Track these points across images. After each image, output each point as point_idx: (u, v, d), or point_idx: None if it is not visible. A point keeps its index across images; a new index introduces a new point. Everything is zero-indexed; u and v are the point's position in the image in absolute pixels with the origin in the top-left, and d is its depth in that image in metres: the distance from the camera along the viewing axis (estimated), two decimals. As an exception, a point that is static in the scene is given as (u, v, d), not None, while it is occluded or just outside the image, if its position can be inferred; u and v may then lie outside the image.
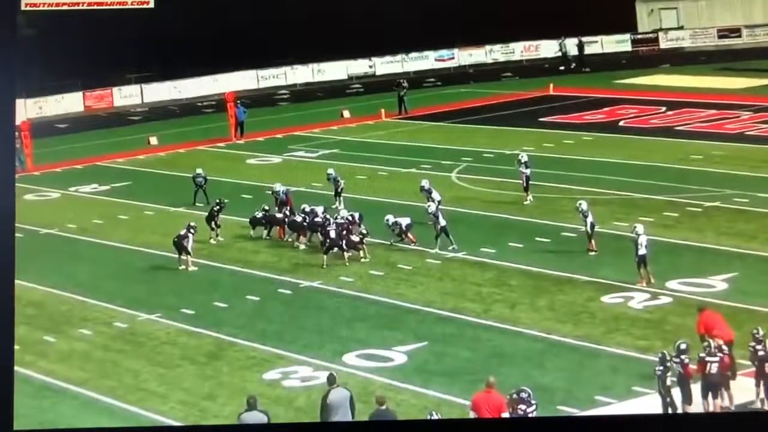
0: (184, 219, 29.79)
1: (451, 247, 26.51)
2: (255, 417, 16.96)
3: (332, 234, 26.49)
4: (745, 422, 17.27)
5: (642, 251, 23.82)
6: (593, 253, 25.93)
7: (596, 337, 21.33)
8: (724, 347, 18.28)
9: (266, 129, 43.41)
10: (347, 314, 23.50)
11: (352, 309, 23.79)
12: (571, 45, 54.79)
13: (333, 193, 30.66)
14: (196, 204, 31.98)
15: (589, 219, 26.22)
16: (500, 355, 20.91)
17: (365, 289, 24.79)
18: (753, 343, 18.48)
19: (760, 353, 18.34)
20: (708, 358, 18.03)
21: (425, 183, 29.21)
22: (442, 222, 26.76)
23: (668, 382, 17.87)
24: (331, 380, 17.56)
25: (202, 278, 26.56)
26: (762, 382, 18.27)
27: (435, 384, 19.74)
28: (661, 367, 17.88)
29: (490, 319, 22.65)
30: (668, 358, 17.96)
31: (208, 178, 32.62)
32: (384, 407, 16.93)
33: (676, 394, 17.96)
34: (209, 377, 20.90)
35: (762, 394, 18.27)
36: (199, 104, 50.76)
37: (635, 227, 24.26)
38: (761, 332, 18.55)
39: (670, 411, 17.85)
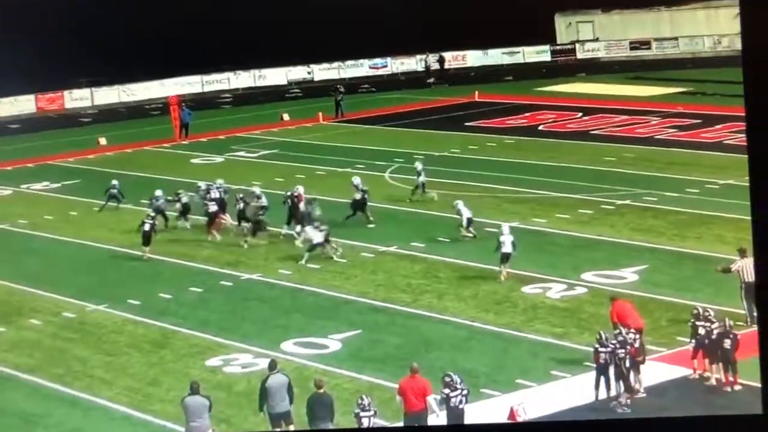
0: (130, 215, 29.43)
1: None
2: (197, 401, 16.72)
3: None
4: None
5: (506, 249, 23.72)
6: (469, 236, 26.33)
7: (517, 325, 21.39)
8: (633, 335, 18.38)
9: (209, 130, 43.06)
10: (285, 305, 23.33)
11: (291, 300, 23.63)
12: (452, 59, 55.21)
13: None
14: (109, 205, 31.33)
15: (465, 215, 26.55)
16: (428, 341, 20.86)
17: (303, 281, 24.61)
18: (701, 322, 18.63)
19: (705, 330, 18.54)
20: (618, 342, 18.10)
21: (357, 180, 29.04)
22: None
23: (603, 361, 17.93)
24: (272, 366, 17.37)
25: (147, 271, 26.20)
26: (708, 358, 18.55)
27: (368, 369, 19.65)
28: (605, 348, 17.92)
29: (419, 308, 22.62)
30: (608, 338, 18.03)
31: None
32: (322, 391, 16.81)
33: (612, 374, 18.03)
34: (154, 364, 20.60)
35: (713, 370, 18.50)
36: (147, 107, 50.19)
37: (501, 226, 24.34)
38: (711, 312, 18.78)
39: (604, 389, 17.91)
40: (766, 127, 16.25)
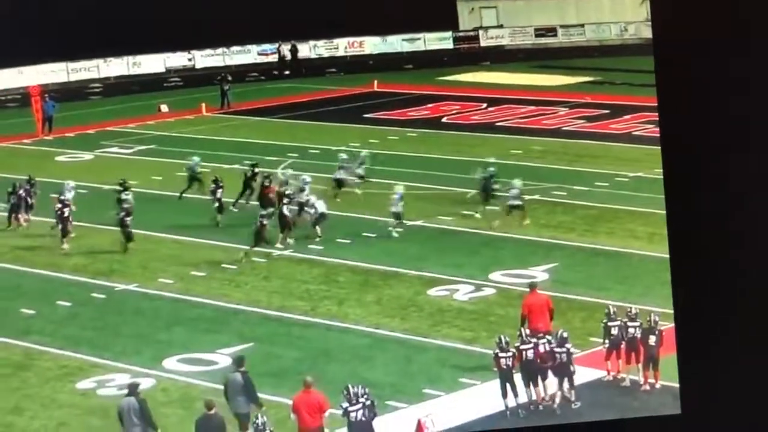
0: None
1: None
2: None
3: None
4: None
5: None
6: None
7: (423, 330, 21.43)
8: (542, 336, 18.58)
9: (77, 124, 41.68)
10: (167, 318, 22.88)
11: (173, 312, 23.18)
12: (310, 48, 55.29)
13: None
14: None
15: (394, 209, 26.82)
16: (328, 352, 20.75)
17: (186, 291, 24.18)
18: (613, 322, 18.95)
19: (620, 329, 18.88)
20: (522, 346, 18.34)
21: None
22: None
23: (509, 366, 18.10)
24: (237, 363, 17.40)
25: (4, 283, 25.25)
26: (625, 358, 18.87)
27: (263, 385, 19.21)
28: (505, 353, 18.08)
29: (317, 316, 22.47)
30: (509, 342, 18.18)
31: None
32: (212, 412, 16.55)
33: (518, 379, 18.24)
34: (16, 389, 19.82)
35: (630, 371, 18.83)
36: (2, 98, 48.44)
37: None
38: (633, 310, 19.10)
39: (512, 397, 18.06)
40: (677, 118, 16.62)
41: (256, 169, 29.87)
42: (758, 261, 16.92)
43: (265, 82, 50.43)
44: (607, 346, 19.18)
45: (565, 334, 18.53)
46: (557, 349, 18.36)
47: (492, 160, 29.72)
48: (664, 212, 27.63)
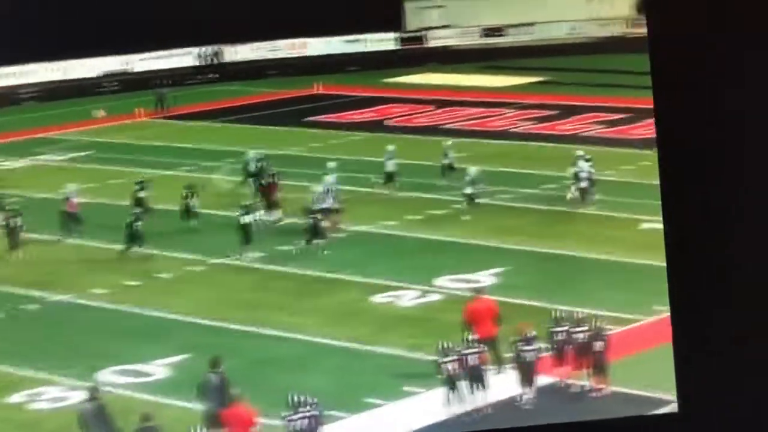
0: None
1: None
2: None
3: None
4: None
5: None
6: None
7: (365, 338, 21.43)
8: (485, 341, 18.71)
9: (8, 131, 41.26)
10: (101, 329, 22.76)
11: (107, 323, 23.06)
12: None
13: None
14: None
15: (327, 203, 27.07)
16: (267, 361, 20.67)
17: (121, 301, 24.04)
18: (560, 327, 19.13)
19: (567, 334, 19.04)
20: (465, 351, 18.43)
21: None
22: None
23: (452, 372, 18.17)
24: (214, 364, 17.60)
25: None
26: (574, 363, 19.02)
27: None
28: (447, 358, 18.13)
29: (256, 325, 22.40)
30: (451, 348, 18.27)
31: None
32: (150, 423, 16.48)
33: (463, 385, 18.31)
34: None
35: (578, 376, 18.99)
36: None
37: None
38: (580, 315, 19.38)
39: (456, 404, 18.13)
40: (673, 120, 16.83)
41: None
42: (755, 257, 17.17)
43: (204, 86, 50.23)
44: (554, 351, 19.25)
45: (531, 334, 18.65)
46: (526, 347, 18.51)
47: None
48: (612, 214, 28.19)
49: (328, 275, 24.66)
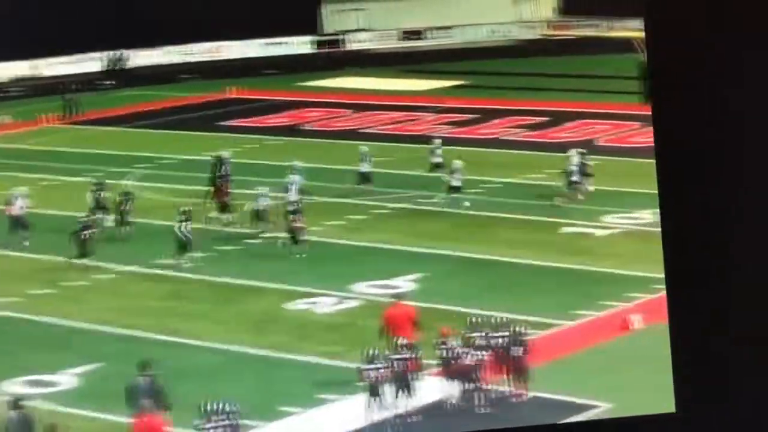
0: None
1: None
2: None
3: None
4: None
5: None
6: None
7: (282, 346, 21.49)
8: (409, 347, 18.85)
9: None
10: (4, 338, 22.50)
11: (10, 332, 22.85)
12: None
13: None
14: None
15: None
16: (181, 370, 20.60)
17: (26, 309, 23.83)
18: (477, 332, 19.38)
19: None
20: (393, 356, 18.67)
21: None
22: None
23: (376, 378, 18.38)
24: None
25: None
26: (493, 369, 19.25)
27: (111, 407, 19.19)
28: (372, 366, 18.28)
29: (168, 334, 22.38)
30: (377, 355, 18.43)
31: None
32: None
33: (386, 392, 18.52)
34: None
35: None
36: None
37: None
38: (500, 320, 19.67)
39: (377, 411, 18.29)
40: (671, 120, 17.16)
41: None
42: (754, 257, 17.53)
43: (114, 91, 49.82)
44: (471, 358, 19.45)
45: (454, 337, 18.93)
46: (450, 350, 18.85)
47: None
48: (537, 218, 28.54)
49: (245, 282, 24.65)
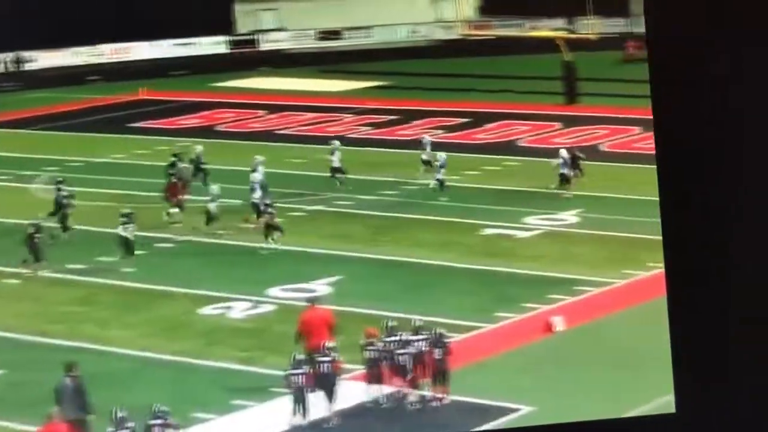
0: None
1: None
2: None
3: None
4: None
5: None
6: None
7: (195, 351, 21.50)
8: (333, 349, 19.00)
9: None
10: None
11: None
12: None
13: None
14: None
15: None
16: (91, 377, 20.37)
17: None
18: (392, 337, 19.54)
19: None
20: (319, 359, 18.83)
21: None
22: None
23: (300, 383, 18.52)
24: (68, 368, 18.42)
25: None
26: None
27: (14, 416, 19.06)
28: (298, 370, 18.46)
29: (78, 340, 22.24)
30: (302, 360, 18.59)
31: None
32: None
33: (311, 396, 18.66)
34: None
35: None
36: None
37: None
38: (418, 323, 19.80)
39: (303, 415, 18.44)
40: (671, 120, 17.37)
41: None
42: (754, 257, 17.78)
43: (20, 92, 49.25)
44: (389, 362, 19.58)
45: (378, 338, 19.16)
46: (375, 351, 19.14)
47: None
48: (458, 220, 28.77)
49: (157, 287, 24.56)
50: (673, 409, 17.98)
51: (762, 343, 17.99)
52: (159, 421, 17.46)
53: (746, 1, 18.25)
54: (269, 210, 27.80)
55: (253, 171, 29.70)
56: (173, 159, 31.80)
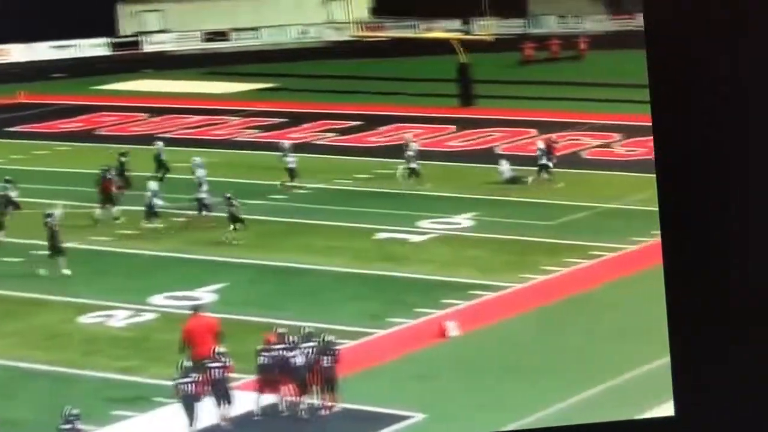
0: None
1: None
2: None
3: None
4: None
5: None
6: None
7: (73, 361, 21.34)
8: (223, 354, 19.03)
9: None
10: None
11: None
12: None
13: None
14: None
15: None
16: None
17: None
18: (281, 344, 19.68)
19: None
20: (211, 365, 18.99)
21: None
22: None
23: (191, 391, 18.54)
24: None
25: None
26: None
27: None
28: (186, 379, 18.47)
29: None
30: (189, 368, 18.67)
31: None
32: None
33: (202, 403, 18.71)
34: None
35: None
36: None
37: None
38: (307, 330, 20.02)
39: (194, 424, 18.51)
40: (670, 120, 17.49)
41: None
42: (753, 258, 17.96)
43: None
44: (278, 369, 19.65)
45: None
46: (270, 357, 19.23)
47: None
48: (350, 224, 28.90)
49: (33, 296, 24.31)
50: (672, 413, 18.26)
51: (762, 345, 18.38)
52: (68, 426, 17.61)
53: (746, 1, 18.66)
54: (233, 203, 28.56)
55: (196, 168, 30.85)
56: (122, 159, 33.01)
